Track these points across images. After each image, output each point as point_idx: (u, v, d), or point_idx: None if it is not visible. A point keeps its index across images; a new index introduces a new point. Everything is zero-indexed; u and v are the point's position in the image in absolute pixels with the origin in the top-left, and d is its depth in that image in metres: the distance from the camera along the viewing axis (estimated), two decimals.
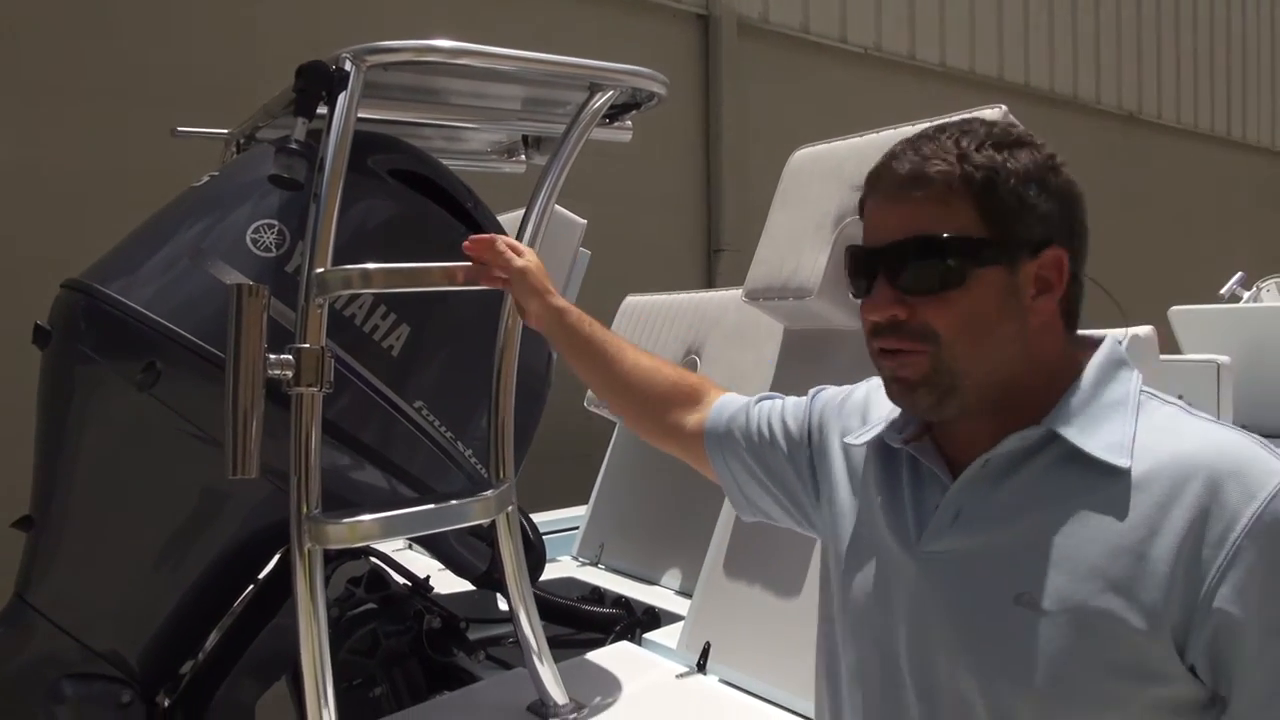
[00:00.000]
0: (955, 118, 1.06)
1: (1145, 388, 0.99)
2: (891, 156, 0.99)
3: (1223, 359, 3.23)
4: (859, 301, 1.02)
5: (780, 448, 1.28)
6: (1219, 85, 10.65)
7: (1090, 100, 9.08)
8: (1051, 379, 0.98)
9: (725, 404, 1.36)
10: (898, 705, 1.03)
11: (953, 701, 0.98)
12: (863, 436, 1.14)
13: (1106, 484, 0.91)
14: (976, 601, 0.96)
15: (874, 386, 1.22)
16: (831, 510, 1.19)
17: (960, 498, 1.00)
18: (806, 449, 1.26)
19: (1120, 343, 1.02)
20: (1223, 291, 5.38)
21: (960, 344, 0.95)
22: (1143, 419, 0.95)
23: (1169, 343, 4.41)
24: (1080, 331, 1.03)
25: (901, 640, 1.03)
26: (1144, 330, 2.97)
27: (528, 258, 1.50)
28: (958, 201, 0.94)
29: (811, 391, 1.31)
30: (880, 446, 1.12)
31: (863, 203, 1.05)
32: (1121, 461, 0.91)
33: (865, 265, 1.00)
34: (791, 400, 1.32)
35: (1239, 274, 5.45)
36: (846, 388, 1.28)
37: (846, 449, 1.19)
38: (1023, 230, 0.95)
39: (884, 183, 0.99)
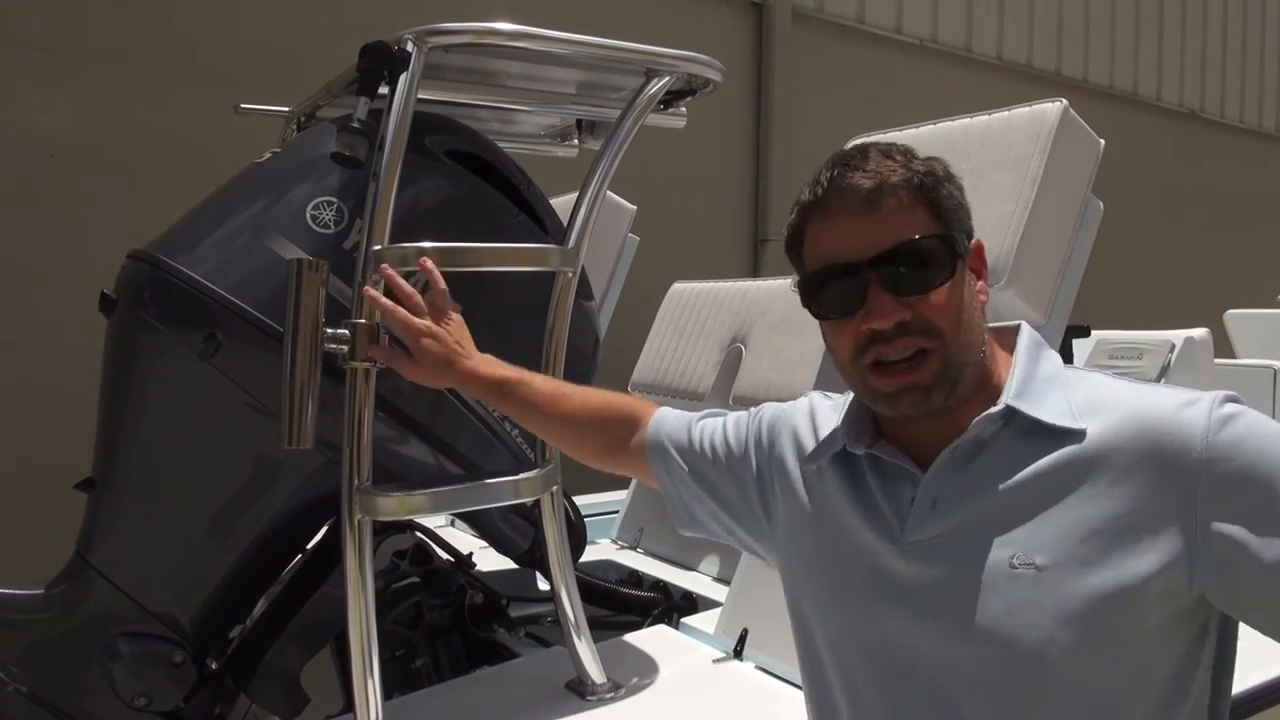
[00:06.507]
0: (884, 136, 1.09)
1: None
2: (839, 178, 1.02)
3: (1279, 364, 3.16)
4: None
5: (723, 464, 1.29)
6: None
7: (1150, 97, 8.88)
8: (993, 363, 1.06)
9: (663, 417, 1.39)
10: (911, 703, 1.03)
11: (972, 682, 0.99)
12: (831, 451, 1.15)
13: (1066, 447, 0.98)
14: (975, 576, 0.98)
15: (816, 403, 1.25)
16: (792, 528, 1.20)
17: (934, 486, 1.04)
18: (754, 468, 1.27)
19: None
20: None
21: (959, 334, 1.02)
22: (1077, 387, 1.03)
23: (1223, 347, 4.32)
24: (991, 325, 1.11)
25: (905, 635, 1.03)
26: (1199, 333, 2.90)
27: (436, 339, 1.46)
28: (918, 206, 1.02)
29: (753, 411, 1.32)
30: (839, 457, 1.14)
31: (803, 227, 1.07)
32: (1076, 424, 0.99)
33: (851, 280, 1.02)
34: (733, 417, 1.34)
35: None
36: (787, 405, 1.29)
37: (804, 467, 1.20)
38: (961, 223, 1.05)
39: (845, 200, 1.02)
